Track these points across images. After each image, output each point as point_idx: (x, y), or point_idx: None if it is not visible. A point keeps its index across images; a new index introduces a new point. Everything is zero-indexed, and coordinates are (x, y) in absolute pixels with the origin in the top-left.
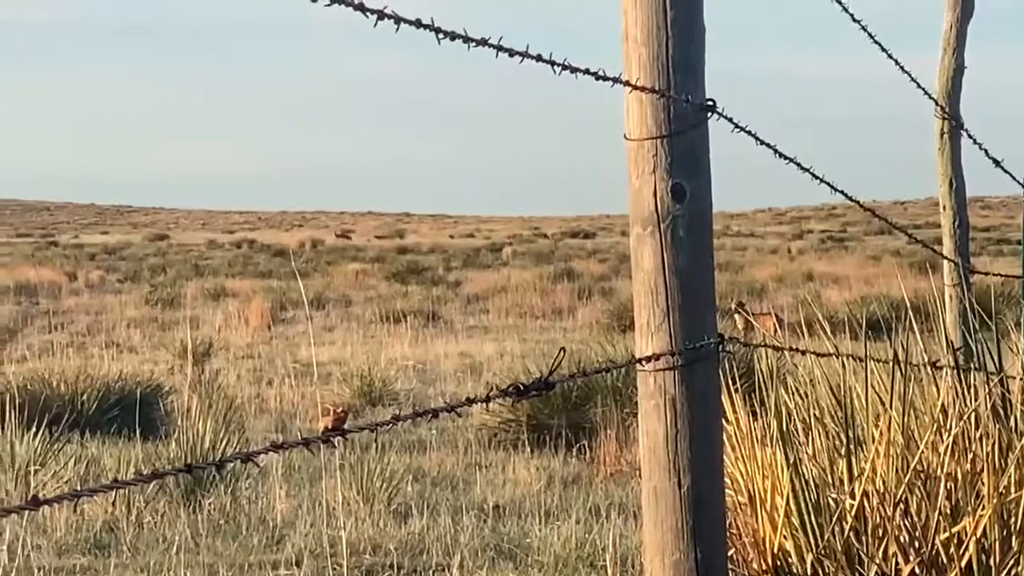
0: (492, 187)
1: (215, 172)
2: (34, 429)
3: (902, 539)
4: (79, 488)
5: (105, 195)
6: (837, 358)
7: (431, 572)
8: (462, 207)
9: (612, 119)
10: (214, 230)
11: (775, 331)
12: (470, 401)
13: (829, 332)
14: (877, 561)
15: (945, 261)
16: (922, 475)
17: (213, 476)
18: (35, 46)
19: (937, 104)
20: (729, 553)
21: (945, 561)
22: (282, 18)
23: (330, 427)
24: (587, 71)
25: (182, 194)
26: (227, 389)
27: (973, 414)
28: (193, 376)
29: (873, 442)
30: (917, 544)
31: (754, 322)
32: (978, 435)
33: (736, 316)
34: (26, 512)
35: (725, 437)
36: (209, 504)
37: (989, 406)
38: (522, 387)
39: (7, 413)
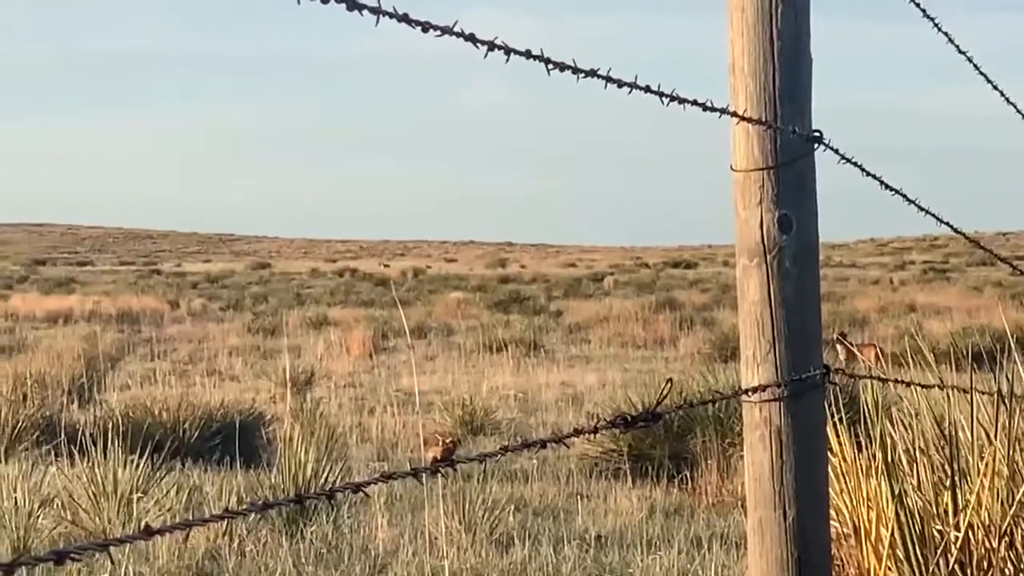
0: (594, 217)
1: (317, 201)
2: (137, 457)
3: (1007, 571)
4: (181, 516)
5: (208, 223)
6: (941, 390)
7: None
8: (564, 237)
9: (717, 150)
10: (316, 259)
11: (877, 362)
12: (577, 432)
13: (932, 363)
14: None
15: None
16: None
17: (316, 505)
18: (138, 75)
19: None
20: None
21: None
22: (388, 50)
23: (439, 457)
24: (695, 102)
25: (284, 223)
26: (329, 418)
27: None
28: (295, 404)
29: (978, 474)
30: None
31: (857, 353)
32: None
33: (838, 347)
34: (111, 562)
35: (829, 468)
36: (311, 533)
37: None
38: (629, 418)
39: (110, 441)
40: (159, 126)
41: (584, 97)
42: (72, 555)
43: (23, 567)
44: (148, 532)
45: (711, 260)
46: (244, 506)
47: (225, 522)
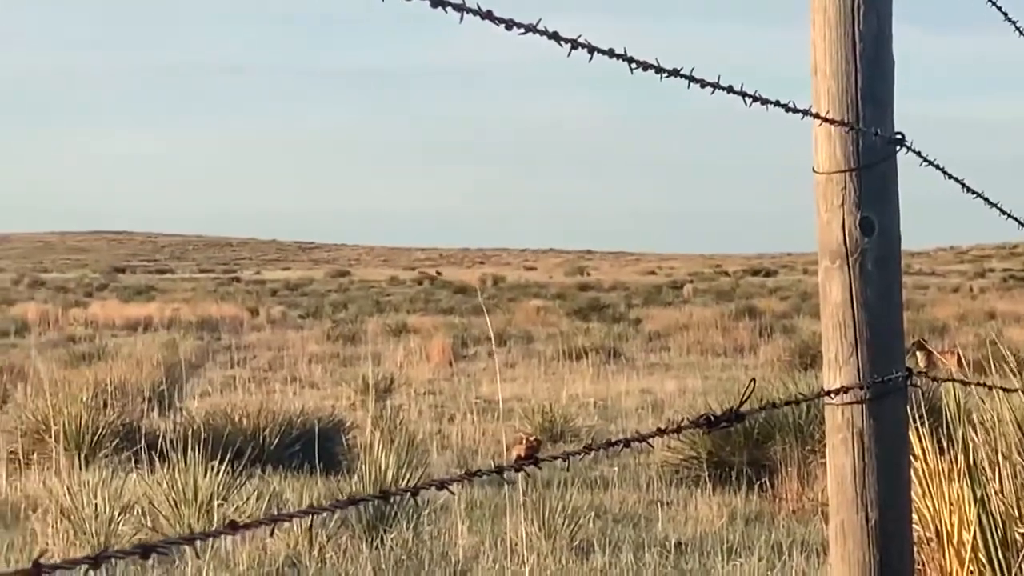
0: (673, 225)
1: (396, 209)
2: (217, 463)
3: None
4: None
5: (287, 231)
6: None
7: None
8: (643, 244)
9: (794, 157)
10: (395, 267)
11: (959, 367)
12: (661, 432)
13: (1015, 369)
14: None
15: None
16: None
17: (395, 512)
18: (219, 88)
19: None
20: None
21: None
22: (466, 58)
23: (523, 455)
24: (777, 103)
25: (364, 231)
26: (408, 425)
27: None
28: (374, 412)
29: None
30: None
31: (939, 357)
32: None
33: (918, 353)
34: (210, 545)
35: (912, 472)
36: (391, 539)
37: None
38: (712, 418)
39: (190, 447)
40: (238, 135)
41: (664, 105)
42: (158, 549)
43: (111, 560)
44: (233, 527)
45: (791, 268)
46: (327, 506)
47: (304, 527)
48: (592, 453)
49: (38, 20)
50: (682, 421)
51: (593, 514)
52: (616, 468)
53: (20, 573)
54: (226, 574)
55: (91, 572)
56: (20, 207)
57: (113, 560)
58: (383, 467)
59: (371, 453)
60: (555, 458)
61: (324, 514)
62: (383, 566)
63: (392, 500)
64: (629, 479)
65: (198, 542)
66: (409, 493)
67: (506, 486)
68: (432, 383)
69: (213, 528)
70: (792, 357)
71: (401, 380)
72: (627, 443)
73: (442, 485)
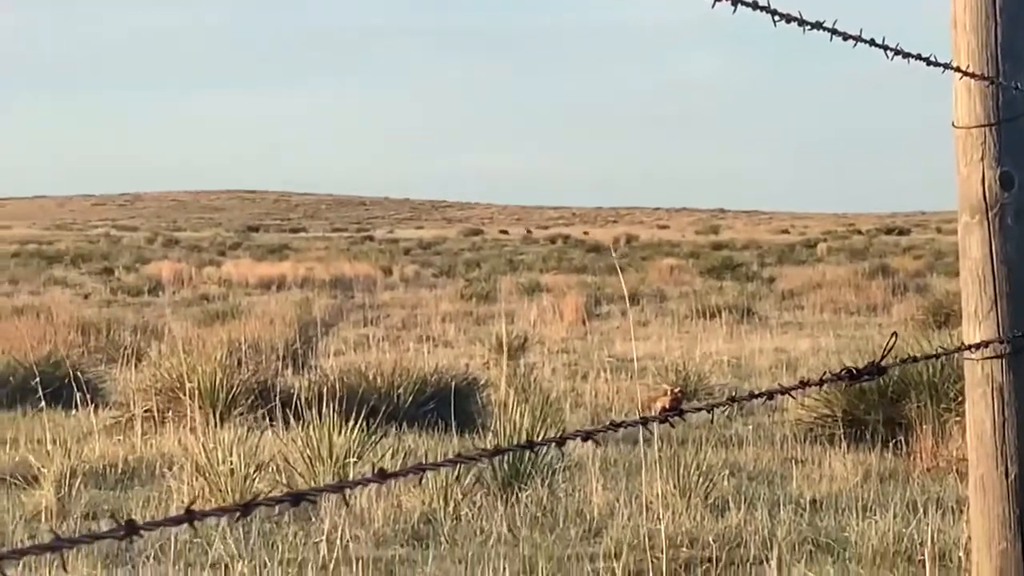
0: (806, 184)
1: (529, 168)
2: (351, 421)
3: None
4: (397, 480)
5: (420, 190)
6: None
7: (749, 565)
8: (776, 203)
9: (927, 116)
10: (528, 225)
11: None
12: (804, 384)
13: None
14: None
15: None
16: None
17: (530, 470)
18: (355, 49)
19: None
20: None
21: None
22: (603, 19)
23: (667, 407)
24: (919, 56)
25: (496, 189)
26: (542, 383)
27: None
28: (508, 370)
29: None
30: None
31: None
32: None
33: None
34: (345, 504)
35: None
36: (526, 497)
37: None
38: (855, 371)
39: (324, 405)
40: (370, 93)
41: (800, 67)
42: (307, 496)
43: (259, 508)
44: (382, 475)
45: (924, 227)
46: (473, 455)
47: (439, 485)
48: (735, 405)
49: None
50: (823, 375)
51: (728, 472)
52: (750, 426)
53: (172, 520)
54: (361, 531)
55: (225, 529)
56: (154, 166)
57: (248, 517)
58: (518, 424)
59: (506, 411)
60: (699, 409)
61: (459, 471)
62: (518, 523)
63: (527, 457)
64: (763, 437)
65: (346, 490)
66: (554, 443)
67: (641, 444)
68: (565, 341)
69: (347, 488)
70: (926, 316)
71: (534, 339)
72: (770, 395)
73: (588, 436)
